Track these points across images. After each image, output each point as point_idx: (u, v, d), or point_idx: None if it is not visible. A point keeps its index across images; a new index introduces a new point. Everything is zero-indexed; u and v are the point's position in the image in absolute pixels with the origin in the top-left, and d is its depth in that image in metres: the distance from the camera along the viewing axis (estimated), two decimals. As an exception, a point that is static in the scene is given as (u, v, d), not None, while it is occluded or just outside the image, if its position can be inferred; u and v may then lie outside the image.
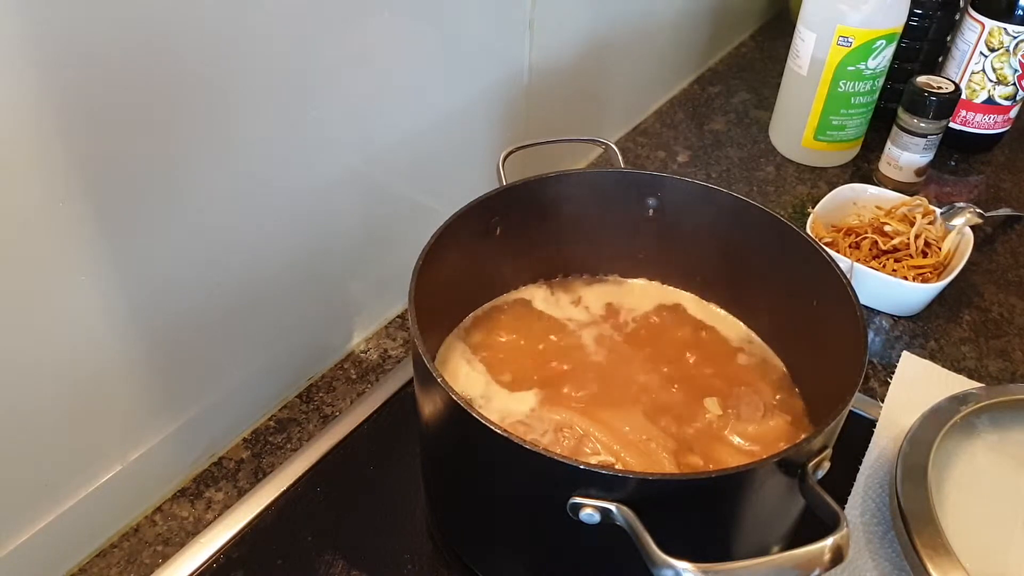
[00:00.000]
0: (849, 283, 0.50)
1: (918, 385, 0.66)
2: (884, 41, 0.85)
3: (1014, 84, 0.92)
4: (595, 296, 0.64)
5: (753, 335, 0.61)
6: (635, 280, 0.65)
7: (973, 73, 0.92)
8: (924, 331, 0.74)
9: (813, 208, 0.80)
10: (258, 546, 0.55)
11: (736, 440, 0.53)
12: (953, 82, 0.85)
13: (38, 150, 0.41)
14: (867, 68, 0.86)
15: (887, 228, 0.77)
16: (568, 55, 0.80)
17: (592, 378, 0.56)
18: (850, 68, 0.86)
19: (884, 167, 0.90)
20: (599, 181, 0.60)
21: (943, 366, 0.69)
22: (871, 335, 0.74)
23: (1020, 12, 0.87)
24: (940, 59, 0.98)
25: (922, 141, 0.86)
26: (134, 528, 0.56)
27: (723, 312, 0.63)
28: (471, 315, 0.61)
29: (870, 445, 0.60)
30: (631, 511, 0.39)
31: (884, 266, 0.75)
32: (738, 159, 0.96)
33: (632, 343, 0.60)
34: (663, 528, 0.38)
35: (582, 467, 0.39)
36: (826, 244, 0.77)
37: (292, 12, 0.50)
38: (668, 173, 0.59)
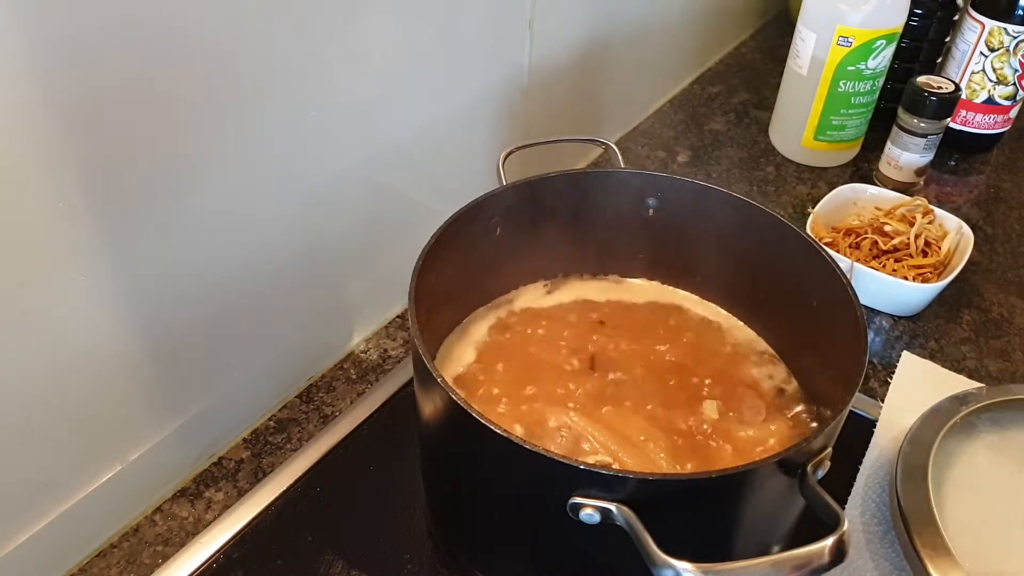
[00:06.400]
0: (849, 283, 0.50)
1: (918, 385, 0.66)
2: (884, 41, 0.85)
3: (1014, 84, 0.92)
4: (595, 296, 0.64)
5: (753, 335, 0.61)
6: (635, 280, 0.65)
7: (973, 73, 0.92)
8: (924, 331, 0.74)
9: (813, 208, 0.80)
10: (258, 546, 0.55)
11: (736, 441, 0.53)
12: (953, 82, 0.85)
13: (37, 150, 0.41)
14: (867, 68, 0.86)
15: (887, 228, 0.77)
16: (568, 55, 0.80)
17: (590, 377, 0.56)
18: (850, 68, 0.86)
19: (884, 167, 0.90)
20: (599, 181, 0.60)
21: (943, 366, 0.69)
22: (871, 335, 0.74)
23: (1020, 12, 0.87)
24: (940, 59, 0.98)
25: (922, 141, 0.86)
26: (134, 528, 0.56)
27: (723, 312, 0.63)
28: (471, 315, 0.61)
29: (870, 445, 0.60)
30: (631, 511, 0.39)
31: (884, 266, 0.75)
32: (738, 159, 0.96)
33: (631, 343, 0.59)
34: (663, 528, 0.38)
35: (582, 467, 0.39)
36: (826, 244, 0.77)
37: (292, 13, 0.50)
38: (668, 173, 0.59)
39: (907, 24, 0.89)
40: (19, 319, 0.44)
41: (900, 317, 0.75)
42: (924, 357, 0.70)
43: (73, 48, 0.40)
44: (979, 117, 0.95)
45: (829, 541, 0.38)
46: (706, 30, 1.08)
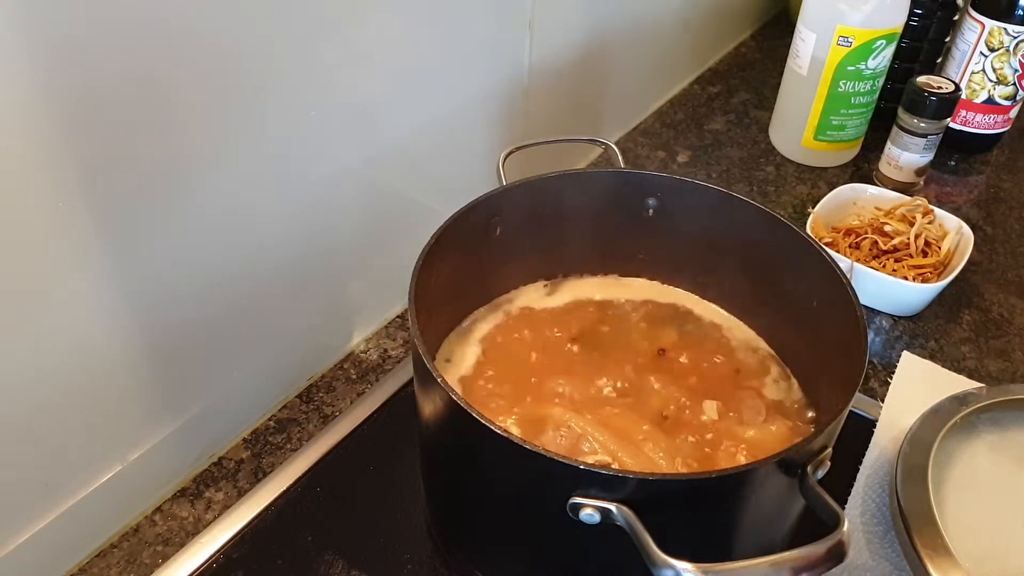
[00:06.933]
0: (849, 283, 0.50)
1: (918, 385, 0.66)
2: (884, 41, 0.85)
3: (1014, 84, 0.92)
4: (595, 295, 0.64)
5: (753, 335, 0.61)
6: (635, 279, 0.65)
7: (973, 73, 0.92)
8: (924, 331, 0.74)
9: (813, 208, 0.80)
10: (258, 546, 0.55)
11: (736, 442, 0.53)
12: (953, 82, 0.85)
13: (37, 150, 0.41)
14: (867, 68, 0.86)
15: (887, 228, 0.77)
16: (568, 55, 0.80)
17: (590, 377, 0.56)
18: (850, 68, 0.86)
19: (884, 167, 0.90)
20: (599, 181, 0.60)
21: (943, 366, 0.69)
22: (871, 335, 0.74)
23: (1020, 12, 0.87)
24: (940, 59, 0.98)
25: (922, 141, 0.86)
26: (134, 528, 0.56)
27: (723, 312, 0.63)
28: (471, 315, 0.61)
29: (870, 445, 0.60)
30: (631, 511, 0.39)
31: (884, 266, 0.75)
32: (738, 159, 0.96)
33: (631, 343, 0.59)
34: (663, 528, 0.38)
35: (582, 467, 0.39)
36: (826, 244, 0.77)
37: (292, 12, 0.50)
38: (668, 173, 0.59)
39: (907, 24, 0.89)
40: (19, 319, 0.44)
41: (900, 317, 0.75)
42: (924, 357, 0.70)
43: (73, 48, 0.40)
44: (979, 117, 0.95)
45: (829, 541, 0.38)
46: (706, 30, 1.08)
